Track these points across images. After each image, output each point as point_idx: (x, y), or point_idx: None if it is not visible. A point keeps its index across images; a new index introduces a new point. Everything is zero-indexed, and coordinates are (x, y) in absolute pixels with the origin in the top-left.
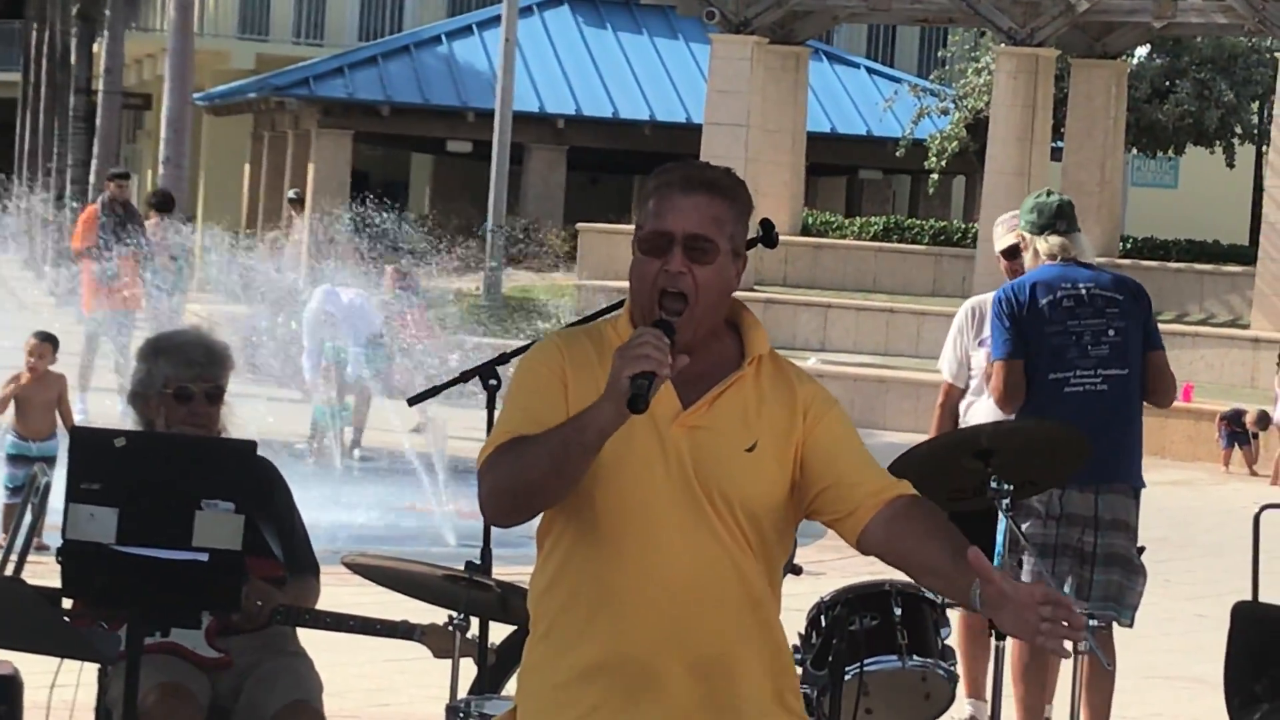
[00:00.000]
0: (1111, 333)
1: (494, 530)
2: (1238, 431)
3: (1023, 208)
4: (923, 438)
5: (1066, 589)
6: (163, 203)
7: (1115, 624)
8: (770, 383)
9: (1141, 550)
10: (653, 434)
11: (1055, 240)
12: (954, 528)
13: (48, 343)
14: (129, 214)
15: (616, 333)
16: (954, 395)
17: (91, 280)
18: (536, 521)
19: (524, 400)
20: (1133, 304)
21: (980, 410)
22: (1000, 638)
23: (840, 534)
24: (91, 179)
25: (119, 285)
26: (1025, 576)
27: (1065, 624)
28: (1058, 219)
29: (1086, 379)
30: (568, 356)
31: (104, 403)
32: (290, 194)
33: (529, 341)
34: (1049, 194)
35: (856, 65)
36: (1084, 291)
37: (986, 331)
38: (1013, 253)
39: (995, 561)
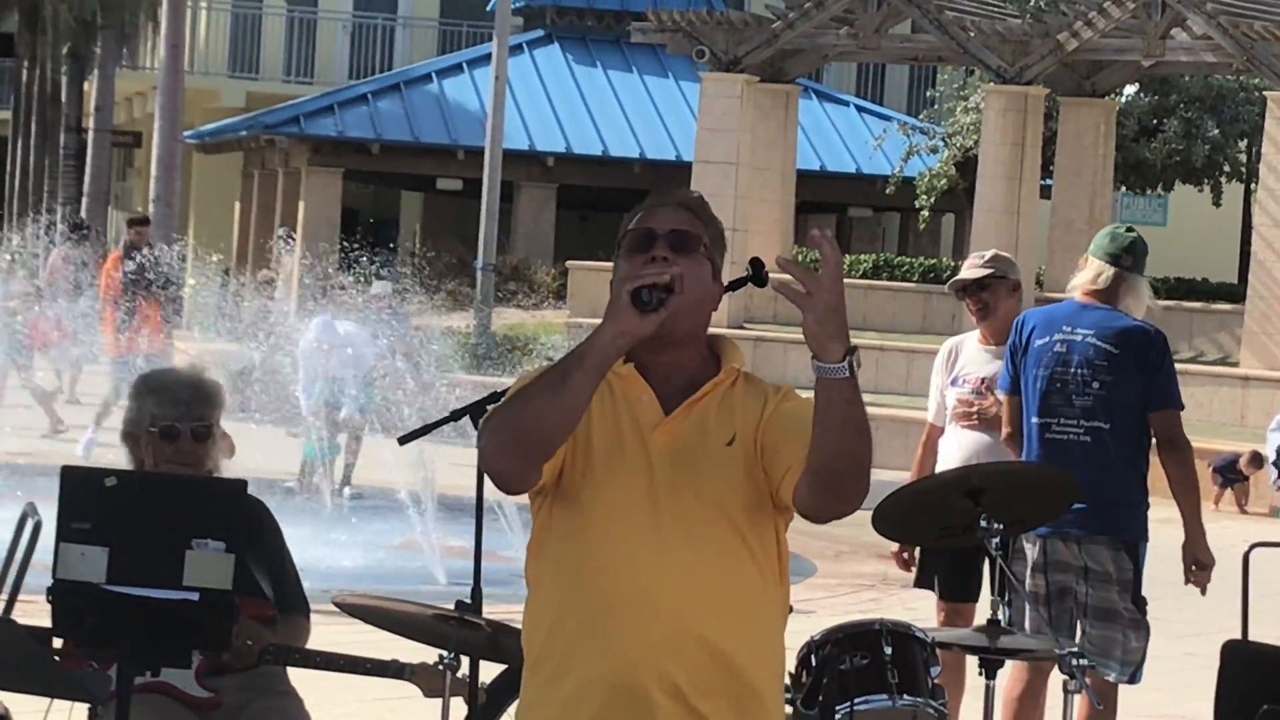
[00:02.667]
0: (1096, 385)
1: (485, 569)
2: (1230, 477)
3: (1098, 234)
4: (911, 475)
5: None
6: (143, 220)
7: (1107, 679)
8: (746, 389)
9: (1144, 602)
10: (639, 444)
11: (1090, 272)
12: None
13: None
14: (151, 260)
15: (614, 370)
16: (934, 435)
17: (114, 326)
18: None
19: (526, 380)
20: (1129, 360)
21: (946, 444)
22: (991, 676)
23: (787, 507)
24: (83, 216)
25: (141, 329)
26: (1026, 625)
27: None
28: (1125, 252)
29: (1070, 427)
30: None
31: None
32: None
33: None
34: (1128, 229)
35: (846, 103)
36: (1080, 338)
37: (959, 370)
38: (964, 290)
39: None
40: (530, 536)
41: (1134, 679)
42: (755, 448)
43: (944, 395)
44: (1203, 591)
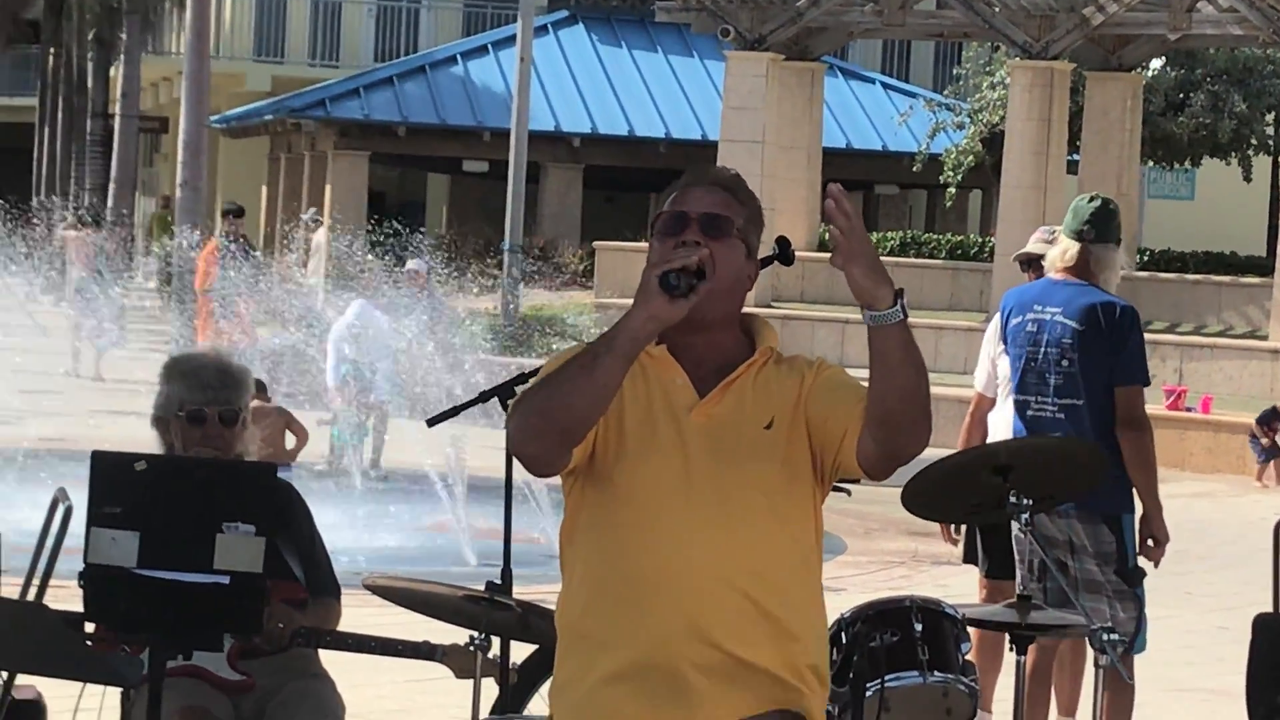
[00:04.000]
0: (1066, 363)
1: (515, 550)
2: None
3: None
4: (943, 452)
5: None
6: (238, 211)
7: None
8: (781, 368)
9: (1138, 574)
10: (673, 426)
11: (1057, 250)
12: None
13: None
14: (245, 248)
15: (646, 351)
16: (984, 406)
17: (209, 317)
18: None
19: (556, 363)
20: (1095, 336)
21: (998, 419)
22: (1021, 652)
23: (851, 469)
24: (109, 202)
25: (235, 324)
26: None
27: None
28: (1087, 225)
29: (1045, 405)
30: None
31: None
32: (308, 215)
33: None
34: (1091, 199)
35: (872, 81)
36: (1049, 317)
37: None
38: (1028, 263)
39: (1020, 575)
40: (563, 518)
41: (1128, 651)
42: (800, 424)
43: (995, 366)
44: (1155, 565)
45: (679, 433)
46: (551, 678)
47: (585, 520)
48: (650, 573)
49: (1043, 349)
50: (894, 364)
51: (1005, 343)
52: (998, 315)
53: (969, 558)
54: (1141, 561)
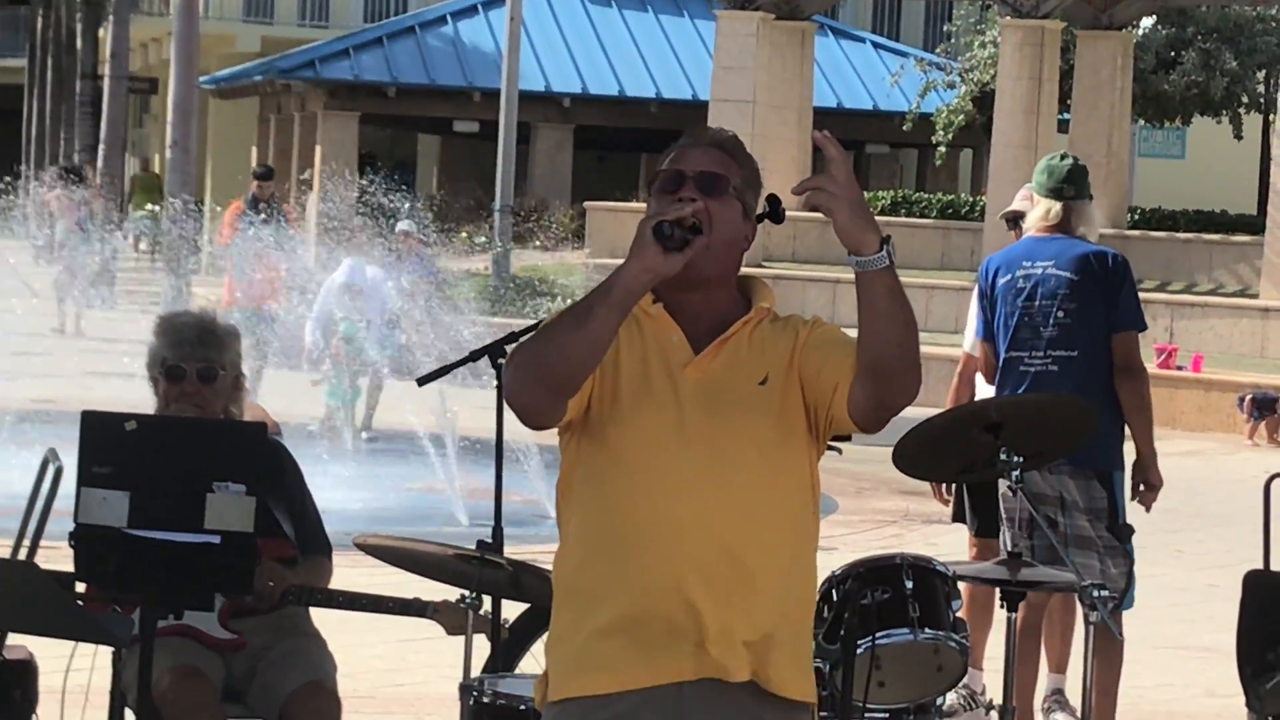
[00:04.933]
0: (1061, 314)
1: (506, 509)
2: (1264, 410)
3: (1036, 167)
4: (933, 411)
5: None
6: (266, 173)
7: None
8: (776, 327)
9: (1127, 530)
10: (668, 382)
11: (1040, 210)
12: None
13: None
14: (272, 210)
15: (639, 306)
16: (971, 365)
17: (230, 278)
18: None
19: (552, 317)
20: (1090, 285)
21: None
22: (1012, 609)
23: (843, 422)
24: (99, 164)
25: (259, 284)
26: (1040, 554)
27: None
28: (1065, 183)
29: (1039, 360)
30: None
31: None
32: (304, 176)
33: (538, 321)
34: (1062, 157)
35: (862, 40)
36: (1040, 271)
37: None
38: (1014, 220)
39: (1005, 532)
40: (560, 475)
41: (1117, 607)
42: (794, 379)
43: None
44: (1147, 509)
45: (674, 389)
46: (547, 632)
47: (580, 475)
48: (643, 526)
49: (1037, 302)
50: (881, 311)
51: (992, 303)
52: (978, 279)
53: (958, 516)
54: (1133, 508)
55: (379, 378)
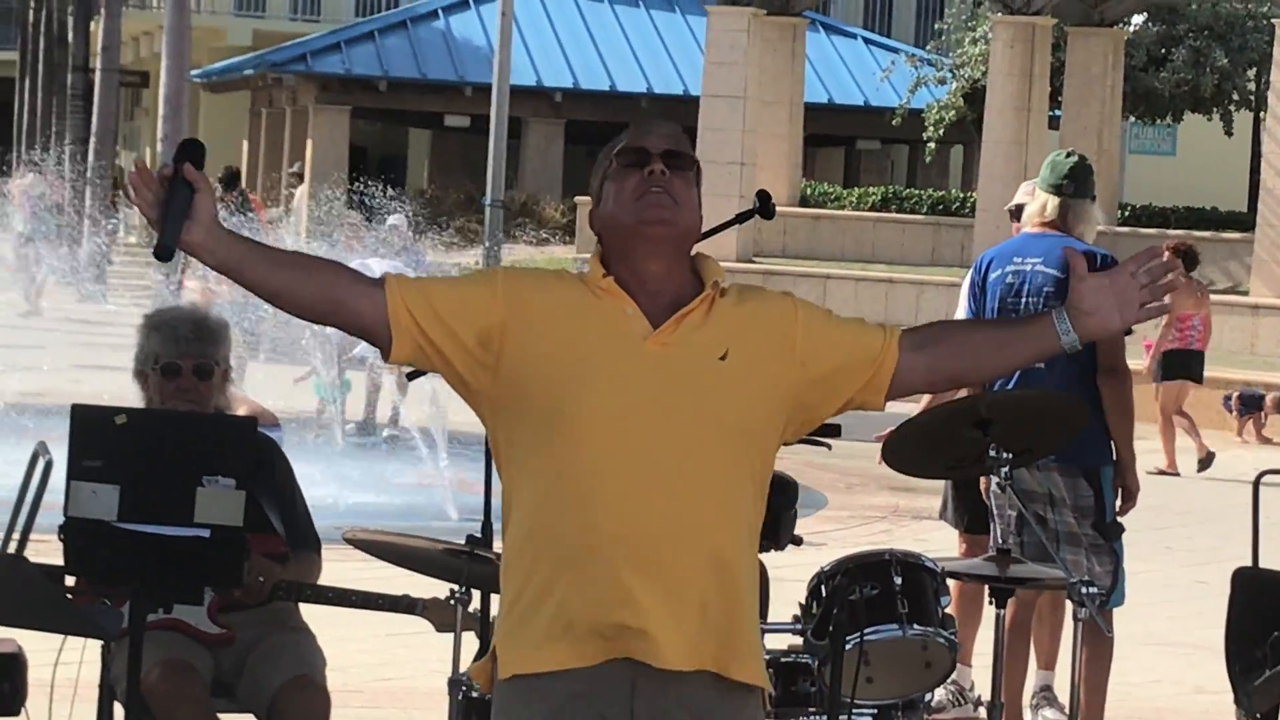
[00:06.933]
0: None
1: (495, 504)
2: (1251, 407)
3: (1043, 162)
4: (919, 407)
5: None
6: (230, 179)
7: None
8: (734, 300)
9: (1115, 528)
10: (624, 355)
11: (1037, 205)
12: (975, 319)
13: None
14: (242, 204)
15: (585, 274)
16: None
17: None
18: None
19: (447, 280)
20: None
21: None
22: (1001, 605)
23: (872, 400)
24: (90, 157)
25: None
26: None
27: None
28: (1066, 180)
29: None
30: (514, 275)
31: None
32: (293, 169)
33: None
34: (1068, 154)
35: (854, 36)
36: (1029, 268)
37: None
38: (1017, 212)
39: (994, 528)
40: (493, 443)
41: (1105, 604)
42: (771, 362)
43: None
44: (1122, 515)
45: (631, 361)
46: (498, 611)
47: (524, 449)
48: (594, 508)
49: (1024, 299)
50: (1014, 364)
51: (983, 296)
52: (971, 271)
53: (945, 513)
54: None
55: (376, 380)
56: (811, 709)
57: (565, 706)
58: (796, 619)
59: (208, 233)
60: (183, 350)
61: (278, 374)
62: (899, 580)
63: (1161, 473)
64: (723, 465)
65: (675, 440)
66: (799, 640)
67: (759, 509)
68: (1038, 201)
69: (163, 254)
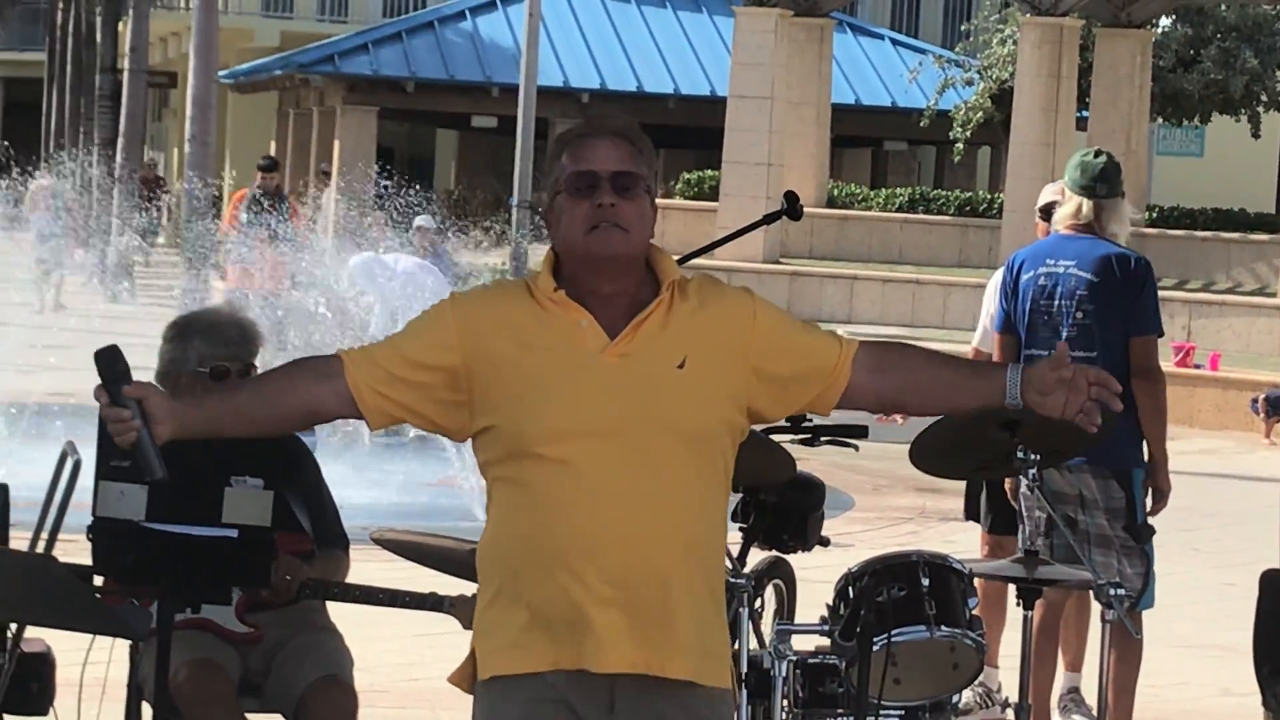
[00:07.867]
0: (1080, 315)
1: None
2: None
3: (1069, 162)
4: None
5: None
6: (269, 165)
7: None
8: (693, 302)
9: (1146, 530)
10: (581, 367)
11: (1070, 207)
12: (938, 353)
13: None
14: (278, 201)
15: (535, 286)
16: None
17: (236, 263)
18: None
19: (401, 337)
20: (1109, 288)
21: None
22: (1028, 607)
23: (818, 409)
24: (118, 158)
25: (256, 269)
26: (1058, 552)
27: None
28: (1098, 181)
29: None
30: (465, 309)
31: None
32: (321, 168)
33: None
34: (1096, 154)
35: (881, 37)
36: (1062, 270)
37: None
38: (1047, 212)
39: (1023, 532)
40: (481, 468)
41: (1135, 606)
42: (740, 371)
43: (991, 321)
44: (1153, 515)
45: (588, 375)
46: (475, 615)
47: (494, 464)
48: (560, 522)
49: (1056, 301)
50: (962, 405)
51: (1015, 298)
52: (1000, 271)
53: (971, 514)
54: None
55: None
56: (839, 710)
57: (544, 709)
58: (824, 620)
59: (173, 423)
60: (231, 353)
61: None
62: (926, 581)
63: None
64: (684, 472)
65: (635, 450)
66: (826, 641)
67: (723, 508)
68: (1071, 204)
69: (155, 479)
